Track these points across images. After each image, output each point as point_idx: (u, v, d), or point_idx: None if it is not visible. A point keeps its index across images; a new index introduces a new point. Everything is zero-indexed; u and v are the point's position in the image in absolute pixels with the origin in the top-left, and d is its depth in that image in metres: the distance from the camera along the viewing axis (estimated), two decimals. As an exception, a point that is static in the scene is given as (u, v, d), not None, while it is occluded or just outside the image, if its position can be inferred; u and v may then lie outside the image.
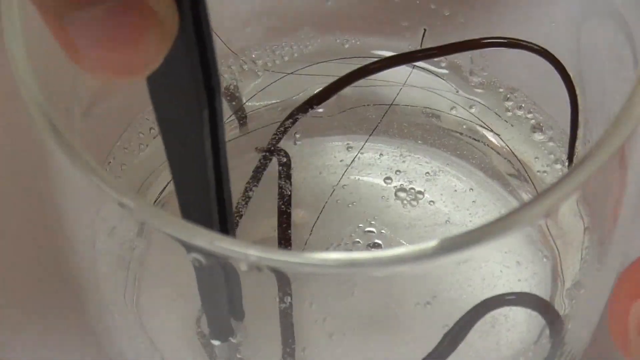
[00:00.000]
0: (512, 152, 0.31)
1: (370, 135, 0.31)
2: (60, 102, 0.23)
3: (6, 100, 0.34)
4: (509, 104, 0.31)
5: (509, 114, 0.31)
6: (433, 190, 0.30)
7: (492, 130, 0.31)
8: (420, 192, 0.30)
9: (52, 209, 0.24)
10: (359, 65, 0.32)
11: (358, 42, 0.33)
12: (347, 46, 0.33)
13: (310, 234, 0.29)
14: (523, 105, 0.31)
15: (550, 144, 0.31)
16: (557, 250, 0.27)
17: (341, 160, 0.31)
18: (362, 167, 0.31)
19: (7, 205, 0.33)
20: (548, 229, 0.25)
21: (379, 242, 0.29)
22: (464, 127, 0.31)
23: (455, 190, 0.30)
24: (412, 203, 0.30)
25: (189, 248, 0.18)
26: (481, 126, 0.31)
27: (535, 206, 0.18)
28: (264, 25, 0.32)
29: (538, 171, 0.31)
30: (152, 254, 0.24)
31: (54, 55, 0.21)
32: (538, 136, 0.31)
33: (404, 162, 0.31)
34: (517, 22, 0.31)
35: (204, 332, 0.26)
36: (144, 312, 0.26)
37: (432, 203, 0.30)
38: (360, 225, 0.29)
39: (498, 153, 0.31)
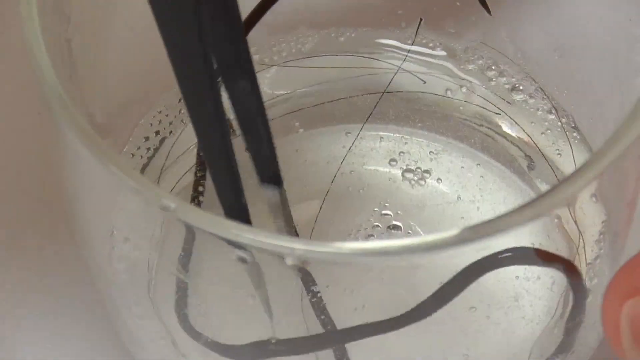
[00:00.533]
0: (514, 124, 0.31)
1: (365, 123, 0.31)
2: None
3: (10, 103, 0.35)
4: (491, 73, 0.32)
5: (493, 83, 0.32)
6: (439, 169, 0.31)
7: (491, 111, 0.32)
8: (426, 171, 0.31)
9: (73, 216, 0.24)
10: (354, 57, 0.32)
11: (353, 35, 0.33)
12: (342, 39, 0.33)
13: (316, 220, 0.30)
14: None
15: (531, 100, 0.31)
16: (576, 237, 0.27)
17: (343, 147, 0.31)
18: (365, 153, 0.31)
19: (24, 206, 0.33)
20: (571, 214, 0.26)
21: (398, 223, 0.29)
22: (462, 108, 0.32)
23: (462, 167, 0.31)
24: (420, 183, 0.30)
25: (234, 246, 0.19)
26: (479, 106, 0.32)
27: (557, 194, 0.19)
28: (260, 25, 0.32)
29: (542, 134, 0.31)
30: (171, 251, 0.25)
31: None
32: (517, 96, 0.32)
33: (406, 143, 0.31)
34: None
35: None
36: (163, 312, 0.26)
37: (439, 181, 0.30)
38: (375, 209, 0.30)
39: (499, 134, 0.32)
